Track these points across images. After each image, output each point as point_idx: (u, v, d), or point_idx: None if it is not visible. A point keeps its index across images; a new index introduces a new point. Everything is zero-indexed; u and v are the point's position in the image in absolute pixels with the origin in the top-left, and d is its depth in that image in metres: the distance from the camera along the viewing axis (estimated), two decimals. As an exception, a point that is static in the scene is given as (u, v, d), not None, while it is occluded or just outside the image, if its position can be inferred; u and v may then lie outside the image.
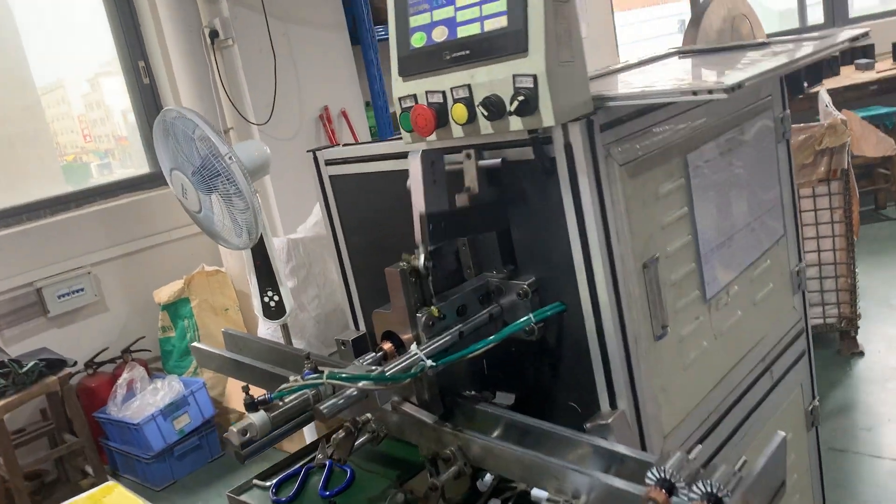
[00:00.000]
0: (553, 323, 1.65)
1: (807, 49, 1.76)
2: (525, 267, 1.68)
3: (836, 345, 3.96)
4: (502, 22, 1.48)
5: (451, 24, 1.56)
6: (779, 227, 2.09)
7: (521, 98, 1.45)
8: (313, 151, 2.01)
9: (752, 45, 2.02)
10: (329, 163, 1.98)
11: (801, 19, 6.36)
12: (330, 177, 1.99)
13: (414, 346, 1.56)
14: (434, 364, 1.54)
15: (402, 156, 1.78)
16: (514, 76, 1.47)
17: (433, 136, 1.61)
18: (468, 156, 1.62)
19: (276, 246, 3.69)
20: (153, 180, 4.71)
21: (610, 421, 1.60)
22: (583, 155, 1.51)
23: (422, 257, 1.57)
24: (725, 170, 1.87)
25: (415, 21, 1.61)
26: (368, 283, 2.03)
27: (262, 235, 3.28)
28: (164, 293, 4.34)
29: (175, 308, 4.34)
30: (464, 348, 1.61)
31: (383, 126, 4.74)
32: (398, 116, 1.66)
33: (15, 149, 4.61)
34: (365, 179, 1.92)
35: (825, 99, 4.15)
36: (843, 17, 6.21)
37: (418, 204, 1.55)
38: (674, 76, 1.81)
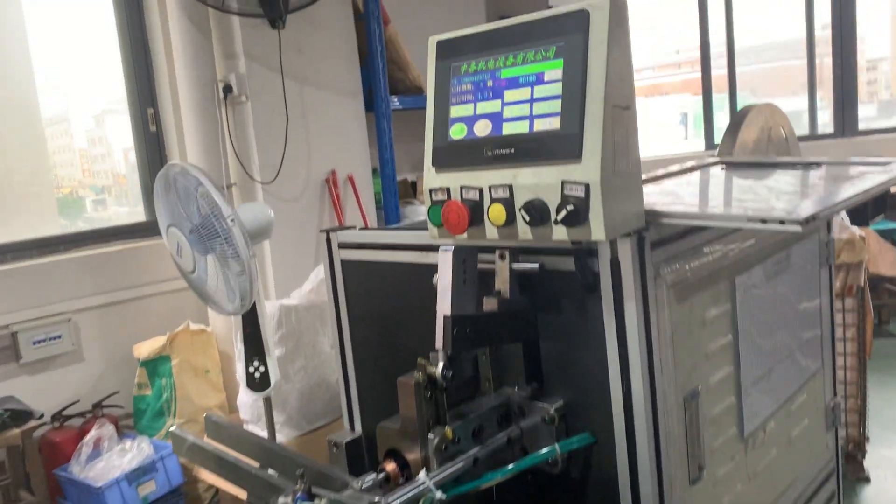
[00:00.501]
0: (579, 455, 1.46)
1: (878, 178, 1.63)
2: (552, 386, 1.50)
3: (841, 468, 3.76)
4: (554, 123, 1.33)
5: (496, 119, 1.41)
6: (817, 358, 1.93)
7: (569, 207, 1.29)
8: (327, 232, 1.84)
9: (802, 164, 1.89)
10: (343, 246, 1.81)
11: (811, 126, 6.33)
12: (342, 261, 1.82)
13: (423, 474, 1.36)
14: (444, 496, 1.34)
15: (425, 248, 1.62)
16: (564, 182, 1.31)
17: (464, 235, 1.44)
18: (502, 257, 1.46)
19: (268, 311, 3.49)
20: (147, 229, 4.52)
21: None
22: (631, 274, 1.34)
23: (440, 365, 1.39)
24: (771, 295, 1.71)
25: (456, 111, 1.46)
26: (370, 380, 1.84)
27: (255, 302, 3.09)
28: (145, 348, 4.11)
29: (154, 365, 4.10)
30: (478, 477, 1.42)
31: (389, 195, 4.61)
32: (427, 209, 1.50)
33: (13, 181, 4.44)
34: (380, 268, 1.75)
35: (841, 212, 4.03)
36: (852, 129, 6.19)
37: (444, 305, 1.37)
38: (732, 195, 1.66)
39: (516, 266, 1.44)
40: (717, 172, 1.91)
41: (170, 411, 4.07)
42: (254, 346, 3.23)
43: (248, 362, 3.23)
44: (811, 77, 5.98)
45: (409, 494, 1.30)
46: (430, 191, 1.49)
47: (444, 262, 1.35)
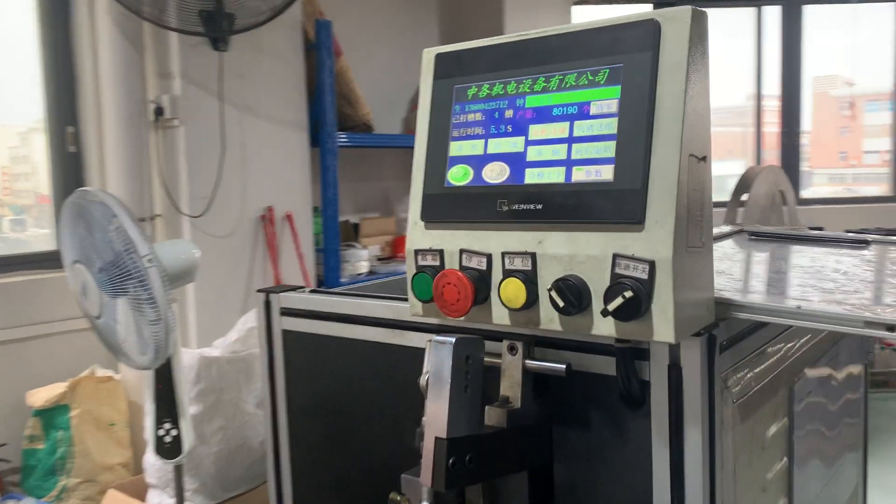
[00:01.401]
0: None
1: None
2: (559, 526, 1.08)
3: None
4: (605, 173, 0.92)
5: (516, 162, 1.00)
6: (853, 474, 1.56)
7: (627, 294, 0.88)
8: (266, 293, 1.39)
9: (848, 241, 1.54)
10: (286, 313, 1.36)
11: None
12: (284, 332, 1.37)
13: None
14: None
15: (398, 325, 1.19)
16: (617, 257, 0.90)
17: (461, 318, 1.02)
18: (512, 350, 1.04)
19: (186, 362, 2.98)
20: (56, 259, 3.93)
21: None
22: (698, 386, 0.94)
23: (424, 508, 0.96)
24: (823, 402, 1.33)
25: (458, 149, 1.05)
26: (312, 485, 1.38)
27: (170, 356, 2.59)
28: (41, 396, 3.50)
29: (50, 416, 3.49)
30: None
31: (330, 237, 4.15)
32: (411, 277, 1.07)
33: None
34: (334, 345, 1.30)
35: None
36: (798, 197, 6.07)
37: (435, 421, 0.94)
38: (802, 280, 1.25)
39: (533, 364, 1.02)
40: (749, 244, 1.55)
41: (63, 469, 3.47)
42: (166, 405, 2.70)
43: (159, 424, 2.70)
44: (758, 142, 5.83)
45: None
46: (417, 252, 1.07)
47: (440, 360, 0.92)
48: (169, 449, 2.70)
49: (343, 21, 4.26)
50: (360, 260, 4.27)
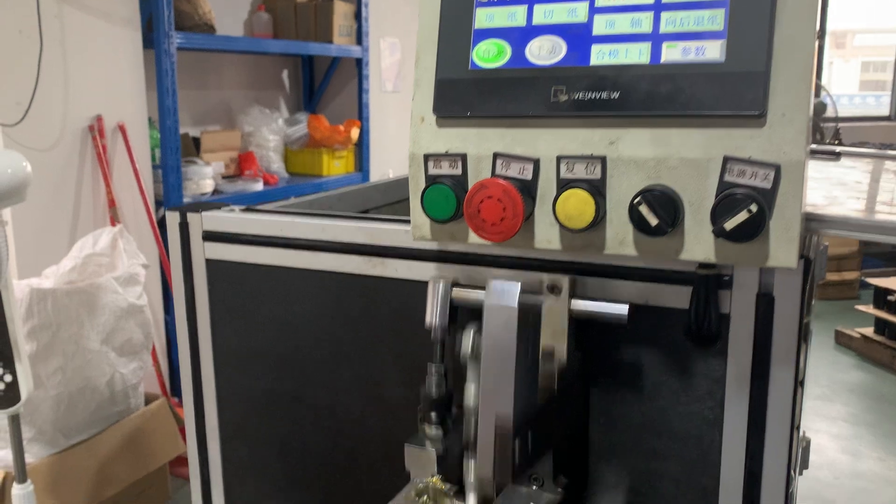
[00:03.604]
0: None
1: None
2: (599, 488, 0.87)
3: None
4: (711, 51, 0.69)
5: (577, 36, 0.73)
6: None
7: (753, 209, 0.66)
8: (181, 212, 1.04)
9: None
10: (211, 237, 1.02)
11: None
12: (209, 262, 1.03)
13: None
14: None
15: (381, 251, 0.91)
16: (730, 161, 0.68)
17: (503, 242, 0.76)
18: (555, 290, 0.79)
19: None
20: None
21: None
22: (794, 321, 0.75)
23: (472, 499, 0.71)
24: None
25: (488, 18, 0.76)
26: (248, 443, 1.08)
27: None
28: None
29: None
30: None
31: (169, 151, 3.61)
32: (420, 190, 0.79)
33: None
34: (282, 278, 0.99)
35: None
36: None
37: (497, 400, 0.67)
38: (857, 192, 1.08)
39: (583, 307, 0.79)
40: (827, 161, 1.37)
41: None
42: (-4, 348, 2.21)
43: (-12, 370, 2.21)
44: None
45: None
46: (428, 159, 0.78)
47: (502, 314, 0.65)
48: (4, 397, 2.22)
49: None
50: (204, 178, 3.78)
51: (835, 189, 1.00)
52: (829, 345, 4.71)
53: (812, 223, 0.78)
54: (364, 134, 4.57)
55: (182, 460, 3.12)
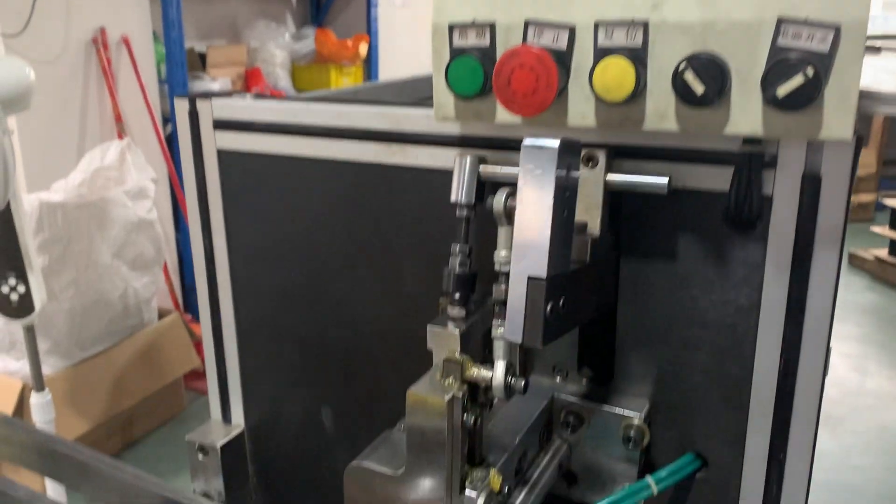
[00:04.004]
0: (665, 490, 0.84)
1: None
2: (628, 379, 0.85)
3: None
4: None
5: None
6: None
7: (810, 73, 0.61)
8: (189, 100, 0.99)
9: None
10: (222, 125, 0.98)
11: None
12: (220, 151, 0.99)
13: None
14: None
15: (398, 137, 0.86)
16: (784, 23, 0.62)
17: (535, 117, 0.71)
18: (591, 161, 0.75)
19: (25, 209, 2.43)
20: None
21: None
22: (841, 204, 0.71)
23: (500, 368, 0.69)
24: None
25: None
26: (260, 351, 1.06)
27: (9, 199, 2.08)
28: None
29: None
30: (532, 546, 0.75)
31: (175, 66, 3.52)
32: (444, 64, 0.74)
33: None
34: (298, 169, 0.95)
35: None
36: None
37: (529, 255, 0.64)
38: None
39: (619, 180, 0.74)
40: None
41: None
42: (7, 258, 2.19)
43: (1, 279, 2.20)
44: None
45: None
46: (453, 29, 0.73)
47: (538, 173, 0.61)
48: (16, 308, 2.22)
49: None
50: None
51: (881, 73, 0.94)
52: (842, 266, 4.67)
53: (865, 101, 0.72)
54: (373, 50, 4.45)
55: (196, 374, 3.15)
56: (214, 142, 0.97)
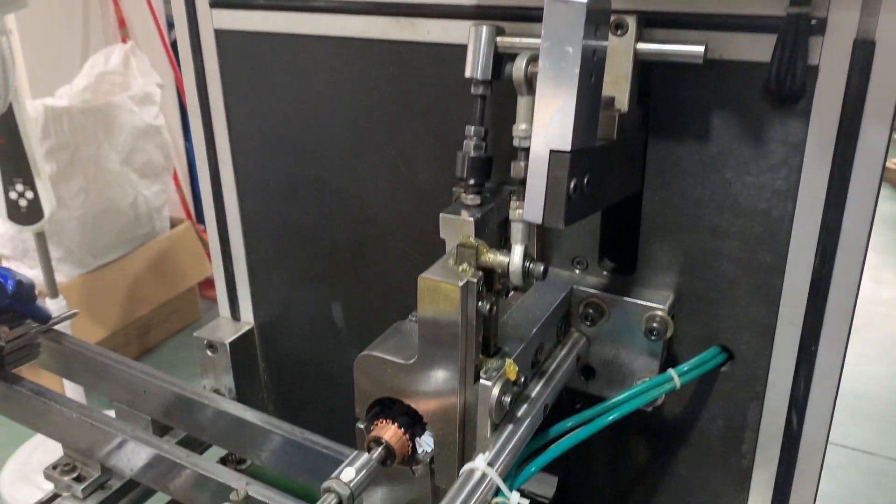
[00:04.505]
0: (689, 384, 0.81)
1: None
2: (651, 269, 0.80)
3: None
4: None
5: None
6: None
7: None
8: (183, -26, 0.91)
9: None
10: (219, 3, 0.91)
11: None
12: (218, 31, 0.92)
13: (480, 461, 0.64)
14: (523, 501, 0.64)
15: (408, 10, 0.79)
16: None
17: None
18: (619, 28, 0.68)
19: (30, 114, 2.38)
20: None
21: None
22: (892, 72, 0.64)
23: (518, 252, 0.64)
24: None
25: None
26: (267, 245, 1.02)
27: (11, 102, 2.03)
28: None
29: None
30: (545, 438, 0.73)
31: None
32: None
33: None
34: (301, 49, 0.88)
35: None
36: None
37: (552, 126, 0.58)
38: None
39: (650, 49, 0.68)
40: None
41: None
42: (14, 163, 2.16)
43: (8, 186, 2.17)
44: None
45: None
46: None
47: (563, 33, 0.54)
48: (26, 214, 2.19)
49: None
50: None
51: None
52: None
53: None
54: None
55: (210, 283, 3.15)
56: (212, 21, 0.90)
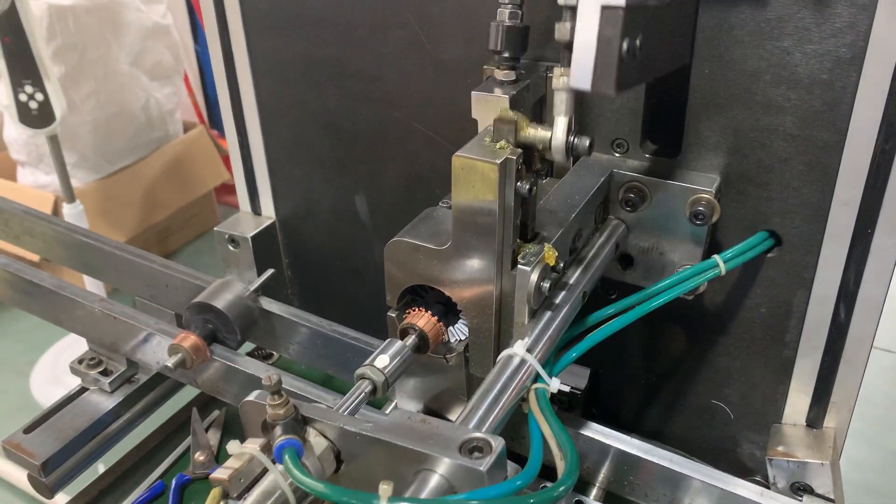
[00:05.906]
0: (734, 270, 0.77)
1: None
2: (696, 148, 0.75)
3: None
4: None
5: None
6: None
7: None
8: None
9: None
10: None
11: None
12: None
13: (520, 347, 0.61)
14: (560, 386, 0.62)
15: None
16: None
17: None
18: None
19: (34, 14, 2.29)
20: None
21: (807, 460, 0.78)
22: None
23: (561, 124, 0.59)
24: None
25: None
26: (287, 137, 0.97)
27: (13, -1, 1.96)
28: None
29: None
30: (584, 326, 0.70)
31: None
32: None
33: None
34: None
35: None
36: None
37: None
38: None
39: None
40: None
41: None
42: (21, 64, 2.09)
43: (18, 87, 2.11)
44: None
45: (513, 395, 0.57)
46: None
47: None
48: (37, 117, 2.14)
49: None
50: None
51: None
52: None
53: None
54: None
55: (227, 188, 3.11)
56: None
